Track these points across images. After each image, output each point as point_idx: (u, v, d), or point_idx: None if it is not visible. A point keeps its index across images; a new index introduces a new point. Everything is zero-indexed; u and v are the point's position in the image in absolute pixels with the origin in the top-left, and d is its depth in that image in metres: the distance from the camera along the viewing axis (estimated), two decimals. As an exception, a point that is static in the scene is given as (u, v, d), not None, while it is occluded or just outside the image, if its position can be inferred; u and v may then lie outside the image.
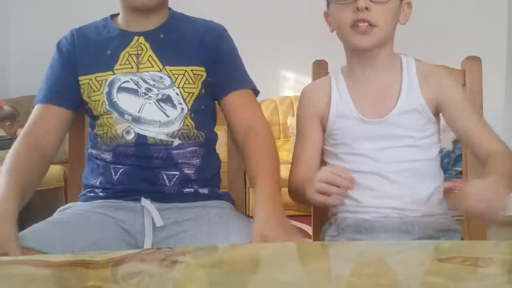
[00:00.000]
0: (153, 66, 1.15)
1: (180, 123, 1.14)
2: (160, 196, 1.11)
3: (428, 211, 1.08)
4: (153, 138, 1.12)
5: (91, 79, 1.15)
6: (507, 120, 3.94)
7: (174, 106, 1.14)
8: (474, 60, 1.23)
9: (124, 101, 1.13)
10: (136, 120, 1.12)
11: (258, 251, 0.77)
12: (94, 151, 1.17)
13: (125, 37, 1.17)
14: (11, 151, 1.08)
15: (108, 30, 1.20)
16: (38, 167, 1.09)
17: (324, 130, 1.18)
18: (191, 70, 1.16)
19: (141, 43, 1.16)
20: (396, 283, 0.58)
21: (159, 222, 1.07)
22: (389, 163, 1.08)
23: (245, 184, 1.36)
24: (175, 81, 1.14)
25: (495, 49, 3.80)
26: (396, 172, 1.07)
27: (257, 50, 4.19)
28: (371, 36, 1.05)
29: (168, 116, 1.13)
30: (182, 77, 1.15)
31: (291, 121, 4.39)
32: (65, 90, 1.16)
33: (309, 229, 1.42)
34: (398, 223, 1.06)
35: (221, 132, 1.26)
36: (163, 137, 1.12)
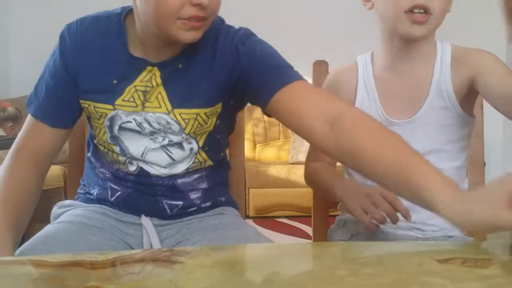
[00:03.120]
0: (160, 107, 0.99)
1: (190, 161, 1.05)
2: (160, 217, 1.07)
3: (445, 226, 1.04)
4: (157, 175, 1.05)
5: (90, 106, 1.02)
6: (508, 119, 3.93)
7: (182, 148, 1.03)
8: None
9: (128, 139, 1.03)
10: (139, 160, 1.04)
11: (258, 251, 0.77)
12: (93, 159, 1.11)
13: (136, 67, 0.99)
14: (4, 168, 1.00)
15: (119, 47, 0.99)
16: (34, 188, 1.02)
17: None
18: (205, 113, 1.00)
19: (154, 75, 0.98)
20: (395, 283, 0.58)
21: (156, 245, 1.03)
22: None
23: (245, 184, 1.37)
24: (185, 127, 1.00)
25: (495, 49, 3.80)
26: None
27: (257, 50, 4.19)
28: (426, 25, 0.97)
29: (174, 160, 1.04)
30: (194, 122, 1.00)
31: (291, 122, 4.38)
32: (63, 109, 1.04)
33: (309, 230, 1.42)
34: (414, 238, 1.03)
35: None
36: (167, 176, 1.05)
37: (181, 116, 0.99)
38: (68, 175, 1.33)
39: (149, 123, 1.00)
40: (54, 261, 0.67)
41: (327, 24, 4.37)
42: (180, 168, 1.05)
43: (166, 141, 1.02)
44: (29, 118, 1.06)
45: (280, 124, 4.60)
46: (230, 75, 0.99)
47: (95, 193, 1.10)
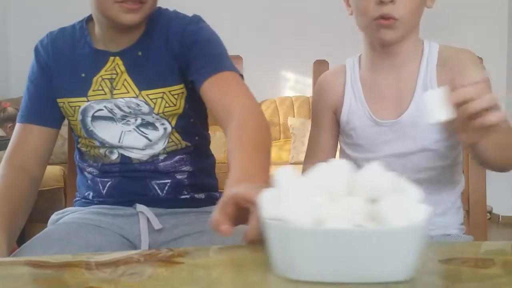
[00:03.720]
0: (128, 92, 1.06)
1: (165, 141, 1.09)
2: (155, 202, 1.09)
3: (443, 224, 1.04)
4: (138, 159, 1.09)
5: (64, 103, 1.10)
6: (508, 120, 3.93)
7: (156, 128, 1.08)
8: (475, 61, 1.22)
9: (101, 130, 1.08)
10: (118, 147, 1.09)
11: (258, 251, 0.77)
12: (80, 164, 1.15)
13: (100, 58, 1.08)
14: None
15: (84, 45, 1.09)
16: (27, 191, 1.04)
17: (339, 124, 1.13)
18: (169, 92, 1.07)
19: (117, 64, 1.07)
20: (396, 284, 0.58)
21: (157, 225, 1.05)
22: (403, 173, 0.99)
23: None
24: (154, 107, 1.06)
25: (495, 49, 3.80)
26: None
27: (258, 51, 4.19)
28: (396, 30, 0.98)
29: (150, 141, 1.08)
30: (161, 101, 1.06)
31: (292, 122, 4.39)
32: (46, 108, 1.11)
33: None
34: None
35: (220, 132, 1.25)
36: (147, 158, 1.09)
37: (149, 97, 1.06)
38: (68, 176, 1.33)
39: (119, 108, 1.06)
40: (54, 261, 0.67)
41: (327, 24, 4.37)
42: (157, 148, 1.09)
43: (139, 121, 1.07)
44: (17, 126, 1.12)
45: (281, 123, 4.64)
46: (180, 56, 1.06)
47: (90, 196, 1.13)
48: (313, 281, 0.56)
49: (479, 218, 1.23)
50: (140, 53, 1.07)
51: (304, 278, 0.57)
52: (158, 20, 1.09)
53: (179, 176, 1.12)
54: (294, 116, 4.51)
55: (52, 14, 4.42)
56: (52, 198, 3.03)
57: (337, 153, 1.19)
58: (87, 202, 1.13)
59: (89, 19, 1.12)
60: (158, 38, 1.07)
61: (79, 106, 1.08)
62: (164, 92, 1.06)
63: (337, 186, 0.58)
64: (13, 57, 4.58)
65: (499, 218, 4.05)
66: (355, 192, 0.58)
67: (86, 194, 1.14)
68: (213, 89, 1.02)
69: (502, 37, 3.95)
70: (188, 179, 1.13)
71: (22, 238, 1.01)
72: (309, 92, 4.64)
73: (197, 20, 1.10)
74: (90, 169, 1.13)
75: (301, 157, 4.42)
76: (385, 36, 0.99)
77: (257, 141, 0.89)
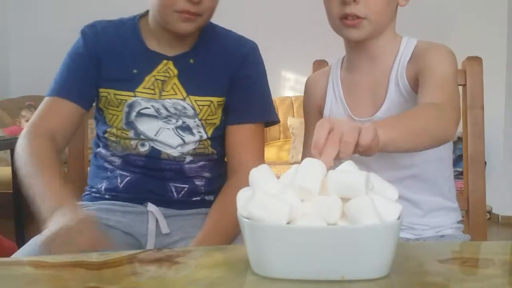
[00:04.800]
0: (176, 94, 1.09)
1: (196, 144, 1.12)
2: (167, 202, 1.11)
3: (437, 225, 1.03)
4: (167, 154, 1.10)
5: (109, 94, 1.10)
6: (508, 120, 3.94)
7: (192, 134, 1.11)
8: (475, 60, 1.22)
9: (143, 124, 1.10)
10: (152, 140, 1.10)
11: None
12: (103, 152, 1.15)
13: (153, 59, 1.10)
14: (22, 147, 1.02)
15: (135, 42, 1.12)
16: (55, 154, 1.04)
17: None
18: (217, 102, 1.11)
19: (169, 67, 1.10)
20: (396, 284, 0.58)
21: (165, 229, 1.07)
22: (385, 171, 0.94)
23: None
24: (199, 113, 1.10)
25: (495, 49, 3.80)
26: (394, 181, 0.87)
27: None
28: (361, 29, 0.98)
29: (184, 142, 1.10)
30: (207, 109, 1.11)
31: (291, 121, 4.39)
32: (82, 87, 1.10)
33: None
34: (404, 239, 1.02)
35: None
36: (177, 155, 1.11)
37: (196, 103, 1.10)
38: (67, 175, 1.33)
39: (166, 109, 1.09)
40: (55, 261, 0.67)
41: (327, 24, 4.35)
42: (188, 148, 1.11)
43: (179, 123, 1.10)
44: (45, 100, 1.10)
45: (281, 123, 4.62)
46: (233, 76, 1.12)
47: (103, 187, 1.13)
48: (286, 279, 0.57)
49: (478, 218, 1.22)
50: (192, 61, 1.12)
51: (276, 276, 0.57)
52: (213, 34, 1.14)
53: (197, 182, 1.14)
54: (294, 116, 4.51)
55: (52, 15, 4.42)
56: (52, 198, 3.03)
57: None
58: (97, 197, 1.13)
59: (141, 17, 1.14)
60: (213, 51, 1.13)
61: (126, 100, 1.09)
62: (211, 101, 1.11)
63: (311, 185, 0.58)
64: (13, 58, 4.58)
65: (498, 218, 4.05)
66: (328, 191, 0.58)
67: (100, 186, 1.14)
68: (236, 137, 1.12)
69: (502, 37, 3.94)
70: (204, 187, 1.15)
71: (22, 239, 1.00)
72: (309, 92, 4.61)
73: (257, 48, 1.17)
74: (112, 158, 1.13)
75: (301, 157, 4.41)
76: (351, 35, 1.00)
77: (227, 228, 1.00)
